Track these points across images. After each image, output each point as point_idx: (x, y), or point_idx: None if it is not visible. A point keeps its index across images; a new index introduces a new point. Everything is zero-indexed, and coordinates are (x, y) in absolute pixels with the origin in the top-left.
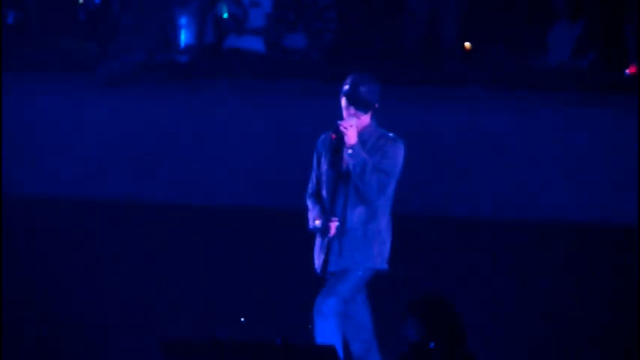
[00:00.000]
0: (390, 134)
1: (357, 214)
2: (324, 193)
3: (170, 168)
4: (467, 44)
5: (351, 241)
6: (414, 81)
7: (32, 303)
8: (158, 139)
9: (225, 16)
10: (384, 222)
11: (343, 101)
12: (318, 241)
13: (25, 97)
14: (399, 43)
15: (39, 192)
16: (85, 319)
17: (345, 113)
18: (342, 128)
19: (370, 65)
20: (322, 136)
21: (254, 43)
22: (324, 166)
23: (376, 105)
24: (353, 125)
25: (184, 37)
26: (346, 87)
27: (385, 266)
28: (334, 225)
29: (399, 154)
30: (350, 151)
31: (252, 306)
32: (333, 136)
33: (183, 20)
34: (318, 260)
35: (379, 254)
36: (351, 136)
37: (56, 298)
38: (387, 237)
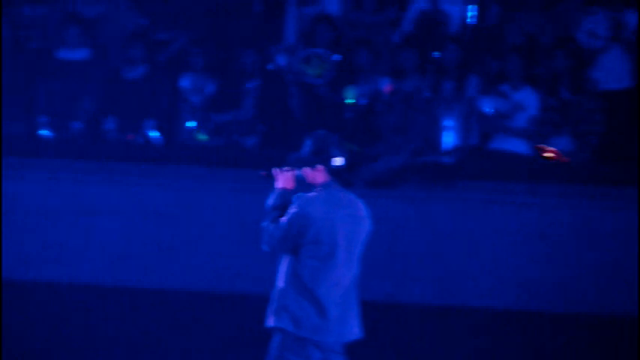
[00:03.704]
0: (305, 195)
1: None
2: None
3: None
4: None
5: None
6: None
7: None
8: (421, 239)
9: (490, 111)
10: (282, 279)
11: None
12: None
13: None
14: None
15: None
16: None
17: None
18: (273, 171)
19: (636, 167)
20: None
21: (519, 146)
22: None
23: (315, 166)
24: (285, 173)
25: (449, 139)
26: None
27: (271, 323)
28: None
29: (290, 212)
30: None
31: None
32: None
33: (448, 122)
34: None
35: (276, 312)
36: (278, 181)
37: None
38: (279, 297)
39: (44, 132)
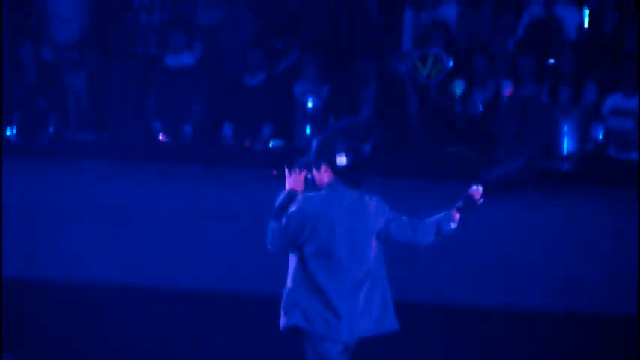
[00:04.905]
0: (307, 194)
1: None
2: None
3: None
4: None
5: None
6: None
7: None
8: (538, 245)
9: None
10: (290, 279)
11: None
12: None
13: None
14: None
15: None
16: None
17: None
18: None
19: None
20: None
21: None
22: None
23: (319, 166)
24: (295, 175)
25: (566, 145)
26: None
27: (283, 323)
28: None
29: (289, 211)
30: None
31: None
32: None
33: (565, 127)
34: None
35: (287, 311)
36: (287, 182)
37: None
38: (288, 296)
39: (159, 137)
